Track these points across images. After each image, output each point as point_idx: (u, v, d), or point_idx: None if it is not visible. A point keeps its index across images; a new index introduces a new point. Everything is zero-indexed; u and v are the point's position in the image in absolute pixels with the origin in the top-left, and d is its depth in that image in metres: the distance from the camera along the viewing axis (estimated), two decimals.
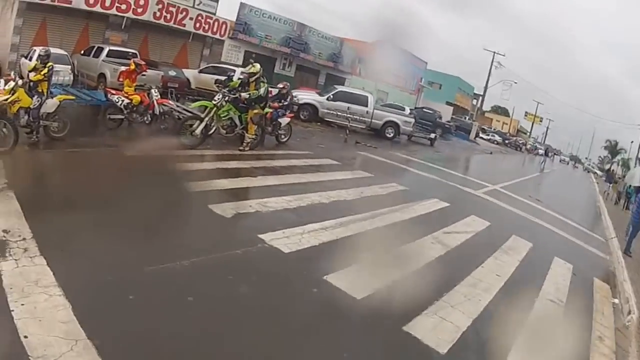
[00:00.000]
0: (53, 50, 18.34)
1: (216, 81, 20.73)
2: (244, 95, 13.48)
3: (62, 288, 4.90)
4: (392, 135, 27.64)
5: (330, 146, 19.16)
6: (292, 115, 17.65)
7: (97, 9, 24.08)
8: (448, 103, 63.97)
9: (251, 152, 13.79)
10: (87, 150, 11.64)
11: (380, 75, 44.37)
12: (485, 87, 59.32)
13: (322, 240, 7.62)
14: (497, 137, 69.82)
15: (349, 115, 24.96)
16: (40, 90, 11.49)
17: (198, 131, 13.02)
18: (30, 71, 11.84)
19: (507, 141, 72.59)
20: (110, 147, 12.23)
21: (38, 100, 11.36)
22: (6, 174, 8.64)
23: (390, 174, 15.91)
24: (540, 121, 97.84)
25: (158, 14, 25.76)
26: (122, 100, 13.83)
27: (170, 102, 15.08)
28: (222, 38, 30.32)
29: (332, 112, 25.90)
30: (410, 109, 34.81)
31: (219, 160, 12.27)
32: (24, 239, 5.93)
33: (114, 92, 14.20)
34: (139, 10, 25.09)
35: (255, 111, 13.72)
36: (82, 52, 22.45)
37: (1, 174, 8.67)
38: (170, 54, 28.15)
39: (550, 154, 64.68)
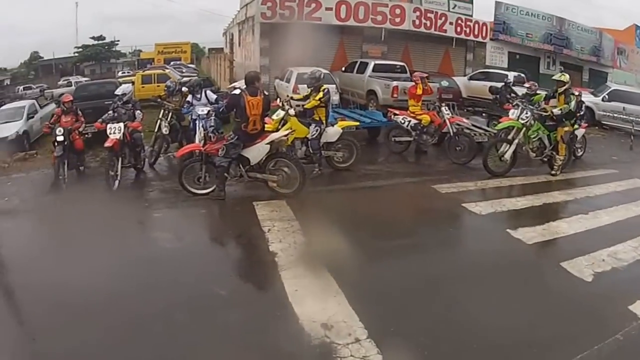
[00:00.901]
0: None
1: (491, 90, 18.16)
2: (556, 111, 11.29)
3: None
4: None
5: (621, 157, 16.15)
6: (586, 125, 15.02)
7: (351, 22, 23.17)
8: None
9: (562, 175, 11.72)
10: (385, 184, 10.20)
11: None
12: None
13: None
14: None
15: (632, 118, 21.02)
16: (317, 118, 10.36)
17: (508, 156, 11.16)
18: (300, 99, 10.83)
19: None
20: (413, 180, 10.73)
21: (317, 130, 10.27)
22: (303, 230, 6.81)
23: None
24: None
25: (417, 22, 24.24)
26: (409, 121, 12.42)
27: (464, 120, 13.24)
28: (484, 40, 27.95)
29: (608, 114, 22.18)
30: None
31: (538, 192, 10.16)
32: (356, 339, 4.45)
33: (397, 112, 12.87)
34: (397, 20, 23.73)
35: (566, 128, 11.46)
36: (343, 68, 21.48)
37: (295, 229, 6.86)
38: (433, 63, 26.39)
39: None
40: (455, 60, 27.37)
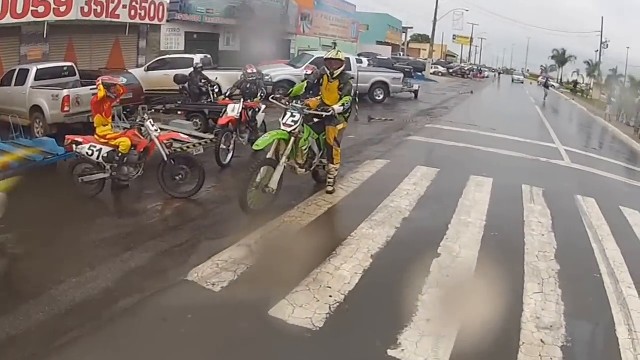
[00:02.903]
0: None
1: (177, 79, 15.45)
2: (338, 108, 8.38)
3: None
4: (382, 97, 24.75)
5: (359, 134, 15.11)
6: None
7: (7, 19, 17.66)
8: (379, 42, 62.67)
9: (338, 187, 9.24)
10: (101, 298, 5.20)
11: (324, 29, 41.97)
12: (435, 21, 58.59)
13: None
14: (440, 69, 68.31)
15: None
16: None
17: (275, 183, 7.88)
18: None
19: (451, 70, 71.81)
20: (141, 264, 6.13)
21: None
22: None
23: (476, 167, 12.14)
24: (471, 42, 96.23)
25: (86, 9, 19.87)
26: (100, 150, 8.57)
27: (180, 134, 9.76)
28: (161, 23, 24.81)
29: None
30: (369, 60, 32.74)
31: (345, 233, 7.28)
32: None
33: (80, 138, 8.80)
34: (62, 9, 19.06)
35: (340, 126, 8.83)
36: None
37: None
38: (101, 56, 22.53)
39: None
40: (126, 51, 24.03)
